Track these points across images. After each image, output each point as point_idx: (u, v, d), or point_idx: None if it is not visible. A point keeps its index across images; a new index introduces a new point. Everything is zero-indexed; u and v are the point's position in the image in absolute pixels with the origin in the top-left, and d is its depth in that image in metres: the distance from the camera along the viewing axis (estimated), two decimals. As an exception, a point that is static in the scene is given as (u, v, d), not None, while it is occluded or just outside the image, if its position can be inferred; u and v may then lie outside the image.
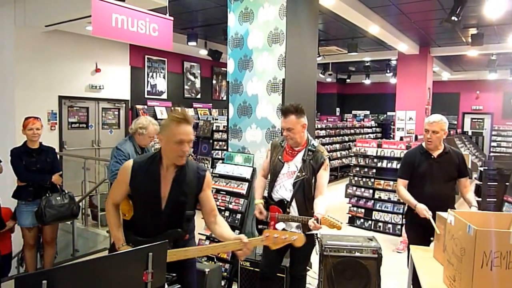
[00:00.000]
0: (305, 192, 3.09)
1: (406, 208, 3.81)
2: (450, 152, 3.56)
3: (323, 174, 3.10)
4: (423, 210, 3.27)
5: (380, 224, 6.78)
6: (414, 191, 3.52)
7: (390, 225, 6.67)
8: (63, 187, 4.49)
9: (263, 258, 3.43)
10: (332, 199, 9.04)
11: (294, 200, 3.12)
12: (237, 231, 4.38)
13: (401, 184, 3.65)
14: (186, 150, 2.29)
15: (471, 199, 3.43)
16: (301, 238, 2.30)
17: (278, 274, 3.61)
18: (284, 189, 3.15)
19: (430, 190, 3.45)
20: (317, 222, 2.81)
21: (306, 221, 2.95)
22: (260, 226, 3.27)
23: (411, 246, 3.30)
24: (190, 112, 11.24)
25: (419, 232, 3.42)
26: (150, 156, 2.44)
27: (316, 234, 3.25)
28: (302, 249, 3.21)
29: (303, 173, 3.08)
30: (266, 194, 3.36)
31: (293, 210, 3.12)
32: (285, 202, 3.12)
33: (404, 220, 3.86)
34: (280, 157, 3.20)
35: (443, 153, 3.54)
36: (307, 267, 4.78)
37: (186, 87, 11.60)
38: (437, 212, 2.96)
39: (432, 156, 3.54)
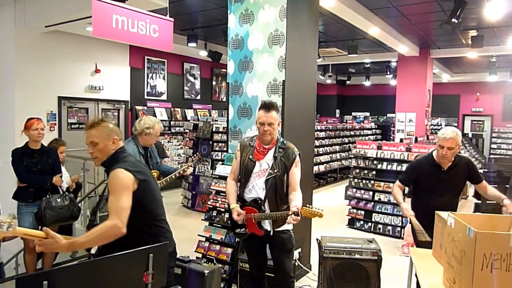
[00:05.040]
0: (277, 189, 3.09)
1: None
2: (459, 163, 3.47)
3: (295, 171, 3.13)
4: (404, 209, 3.41)
5: (380, 226, 6.77)
6: (422, 203, 3.51)
7: (390, 227, 6.66)
8: (63, 188, 4.48)
9: (248, 259, 3.48)
10: (332, 201, 9.04)
11: (266, 197, 3.11)
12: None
13: (397, 186, 3.68)
14: (90, 152, 2.52)
15: (498, 194, 3.41)
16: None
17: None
18: (257, 188, 3.13)
19: (439, 203, 3.37)
20: (295, 215, 2.80)
21: (284, 216, 2.94)
22: (237, 230, 3.23)
23: (411, 248, 3.30)
24: (189, 113, 11.26)
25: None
26: None
27: (290, 230, 3.23)
28: (281, 247, 3.21)
29: (275, 170, 3.09)
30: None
31: (267, 208, 3.11)
32: (259, 201, 3.11)
33: (410, 225, 3.81)
34: (251, 156, 3.19)
35: (453, 166, 3.45)
36: (307, 269, 4.80)
37: (185, 88, 11.60)
38: (436, 212, 2.96)
39: (442, 169, 3.46)
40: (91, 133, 2.47)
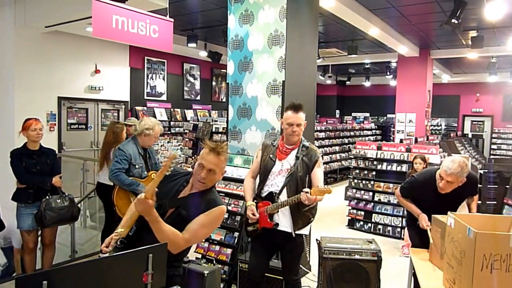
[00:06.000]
0: (297, 188, 3.05)
1: (406, 212, 3.80)
2: (463, 185, 3.23)
3: (318, 171, 3.12)
4: (422, 221, 3.29)
5: (379, 226, 6.77)
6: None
7: (390, 228, 6.66)
8: (62, 189, 4.47)
9: (250, 260, 3.41)
10: (331, 202, 9.03)
11: (285, 191, 3.07)
12: (236, 233, 4.38)
13: (400, 196, 3.64)
14: (202, 176, 2.30)
15: (471, 208, 3.46)
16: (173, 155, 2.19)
17: (277, 277, 3.63)
18: (276, 186, 3.12)
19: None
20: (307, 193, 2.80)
21: (296, 200, 2.91)
22: (249, 228, 3.22)
23: (411, 249, 3.30)
24: (189, 113, 11.26)
25: (422, 234, 3.40)
26: (187, 172, 2.52)
27: (305, 235, 3.22)
28: (292, 251, 3.21)
29: (297, 170, 3.08)
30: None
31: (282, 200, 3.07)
32: (274, 194, 3.10)
33: (407, 225, 3.80)
34: (271, 155, 3.19)
35: (455, 188, 3.24)
36: (307, 270, 4.80)
37: (185, 88, 11.60)
38: (433, 216, 2.95)
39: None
40: (215, 161, 2.31)
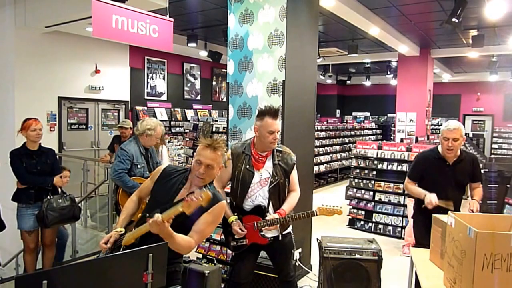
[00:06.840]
0: (280, 195, 3.06)
1: (413, 209, 3.79)
2: (465, 158, 3.47)
3: (294, 175, 3.17)
4: (429, 198, 3.31)
5: (380, 226, 6.76)
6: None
7: (390, 227, 6.65)
8: (63, 189, 4.47)
9: (239, 267, 3.19)
10: (332, 201, 9.03)
11: (271, 204, 3.04)
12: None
13: (408, 182, 3.66)
14: (201, 172, 2.34)
15: (475, 195, 3.48)
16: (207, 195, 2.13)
17: (273, 275, 3.63)
18: (261, 198, 3.03)
19: (442, 196, 3.35)
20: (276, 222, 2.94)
21: (289, 220, 2.99)
22: (234, 243, 3.08)
23: (411, 248, 3.29)
24: (189, 113, 11.27)
25: (428, 232, 3.40)
26: (184, 168, 2.55)
27: (291, 232, 3.22)
28: (283, 251, 3.19)
29: (277, 178, 3.03)
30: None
31: (271, 214, 3.04)
32: (263, 207, 3.01)
33: (412, 221, 3.82)
34: (248, 166, 3.04)
35: (458, 160, 3.44)
36: (308, 269, 4.79)
37: (186, 88, 11.60)
38: (433, 215, 2.95)
39: (447, 163, 3.44)
40: (212, 156, 2.35)
